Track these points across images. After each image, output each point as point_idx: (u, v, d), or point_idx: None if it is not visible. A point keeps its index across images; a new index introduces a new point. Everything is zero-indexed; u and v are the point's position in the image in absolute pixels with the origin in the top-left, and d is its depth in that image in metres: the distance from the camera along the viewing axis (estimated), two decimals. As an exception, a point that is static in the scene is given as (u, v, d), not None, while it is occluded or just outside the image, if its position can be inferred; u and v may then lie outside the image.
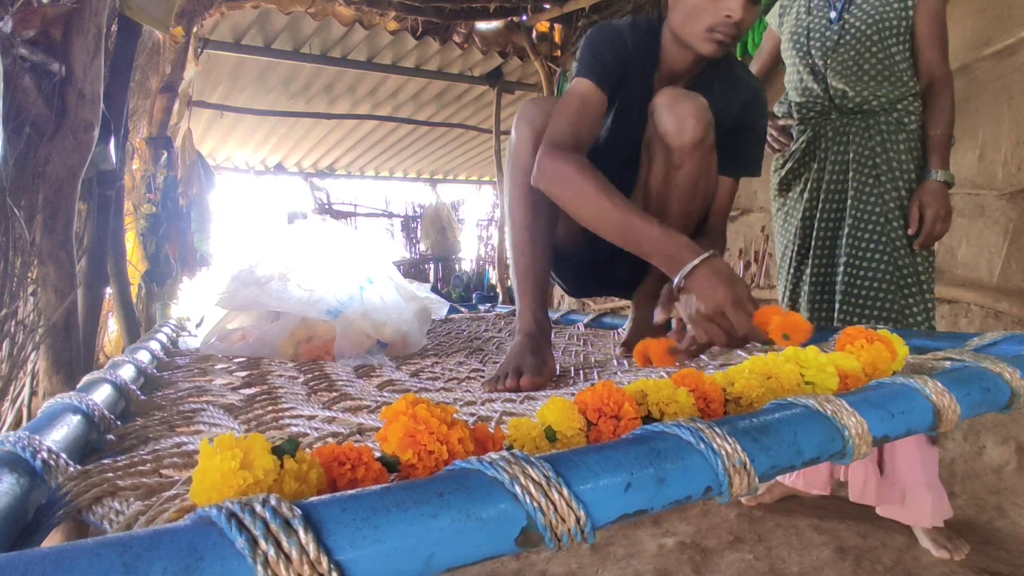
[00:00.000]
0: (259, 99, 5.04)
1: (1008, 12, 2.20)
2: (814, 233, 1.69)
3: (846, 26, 1.60)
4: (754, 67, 1.89)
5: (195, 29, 3.35)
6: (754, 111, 1.35)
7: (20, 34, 1.50)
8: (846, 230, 1.62)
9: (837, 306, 1.65)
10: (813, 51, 1.65)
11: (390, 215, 8.42)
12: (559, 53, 4.74)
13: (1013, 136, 2.20)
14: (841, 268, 1.63)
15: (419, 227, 8.31)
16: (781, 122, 1.77)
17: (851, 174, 1.62)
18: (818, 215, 1.68)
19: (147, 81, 3.13)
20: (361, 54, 4.49)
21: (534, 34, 4.66)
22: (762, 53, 1.90)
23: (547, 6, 4.39)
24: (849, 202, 1.62)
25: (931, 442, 1.66)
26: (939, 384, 0.64)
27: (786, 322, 0.97)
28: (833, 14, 1.62)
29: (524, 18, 4.52)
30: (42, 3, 1.56)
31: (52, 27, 1.59)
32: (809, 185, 1.71)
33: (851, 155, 1.63)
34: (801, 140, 1.73)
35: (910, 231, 1.55)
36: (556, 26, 4.69)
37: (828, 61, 1.62)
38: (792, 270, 1.75)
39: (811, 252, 1.70)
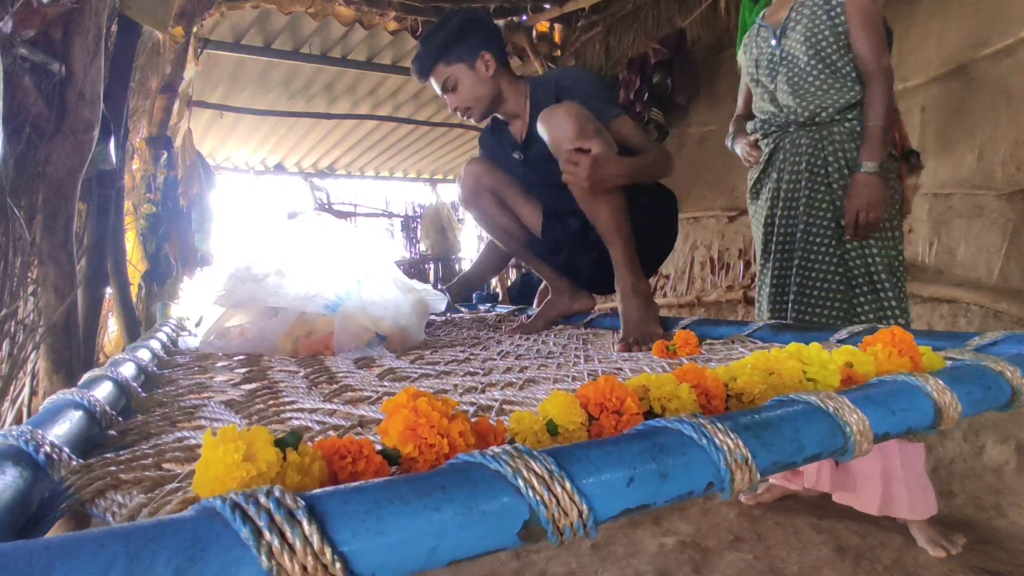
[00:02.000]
0: (259, 99, 5.05)
1: (1006, 13, 2.21)
2: (774, 238, 1.79)
3: (785, 50, 1.72)
4: (740, 99, 2.05)
5: (195, 29, 3.35)
6: (567, 81, 1.61)
7: (20, 34, 1.50)
8: (798, 235, 1.71)
9: (790, 306, 1.73)
10: (762, 77, 1.79)
11: (390, 215, 8.41)
12: (559, 53, 4.75)
13: (1012, 136, 2.21)
14: (794, 271, 1.71)
15: (419, 227, 8.30)
16: (752, 138, 1.89)
17: (803, 182, 1.71)
18: (776, 221, 1.78)
19: (147, 81, 3.13)
20: (361, 54, 4.49)
21: (534, 34, 4.66)
22: (742, 88, 2.04)
23: (547, 6, 4.39)
24: (802, 208, 1.71)
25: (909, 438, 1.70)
26: (940, 382, 0.64)
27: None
28: (773, 41, 1.76)
29: (524, 18, 4.52)
30: (42, 3, 1.56)
31: (52, 27, 1.59)
32: (770, 193, 1.81)
33: (804, 164, 1.71)
34: (766, 152, 1.84)
35: (844, 223, 1.62)
36: (556, 26, 4.70)
37: (775, 83, 1.75)
38: (759, 272, 1.86)
39: (771, 256, 1.79)
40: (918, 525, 1.69)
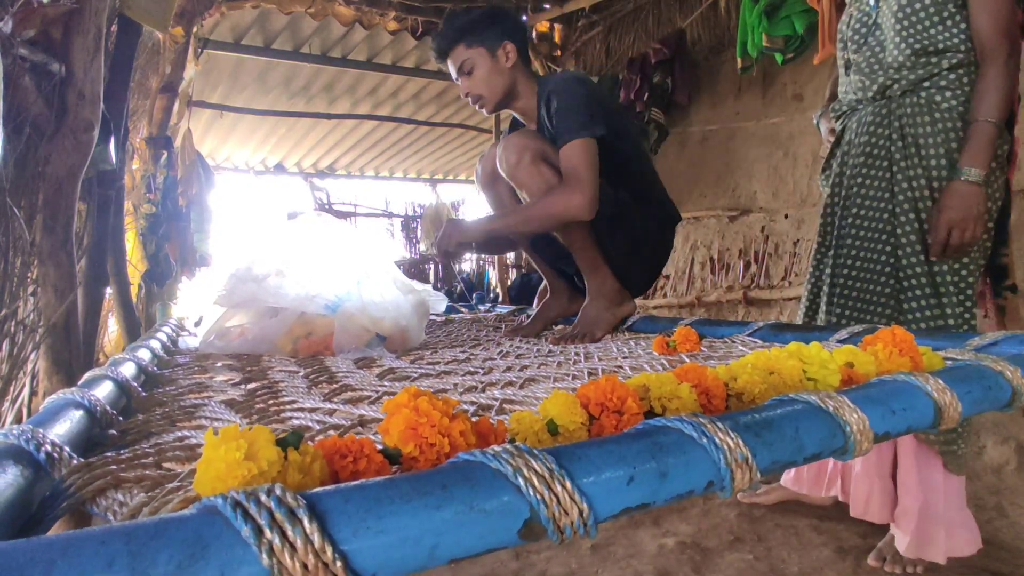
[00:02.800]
0: (259, 99, 5.05)
1: (1007, 13, 2.20)
2: (834, 229, 1.60)
3: (881, 15, 1.48)
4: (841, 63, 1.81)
5: (195, 29, 3.35)
6: (549, 100, 1.56)
7: (20, 34, 1.50)
8: (847, 224, 1.55)
9: (823, 304, 1.58)
10: (848, 41, 1.56)
11: (390, 215, 8.42)
12: (559, 53, 4.75)
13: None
14: (839, 266, 1.55)
15: (419, 227, 8.30)
16: (833, 124, 1.68)
17: (860, 166, 1.53)
18: (837, 211, 1.60)
19: (147, 81, 3.14)
20: (361, 54, 4.50)
21: (534, 34, 4.66)
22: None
23: (547, 6, 4.40)
24: (855, 193, 1.54)
25: (949, 470, 1.51)
26: (940, 381, 0.64)
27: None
28: (872, 1, 1.49)
29: (524, 18, 4.52)
30: (42, 3, 1.56)
31: (52, 27, 1.59)
32: (833, 179, 1.63)
33: (863, 144, 1.52)
34: (838, 133, 1.65)
35: (929, 239, 1.40)
36: (556, 26, 4.70)
37: (860, 53, 1.52)
38: (813, 266, 1.68)
39: (830, 248, 1.60)
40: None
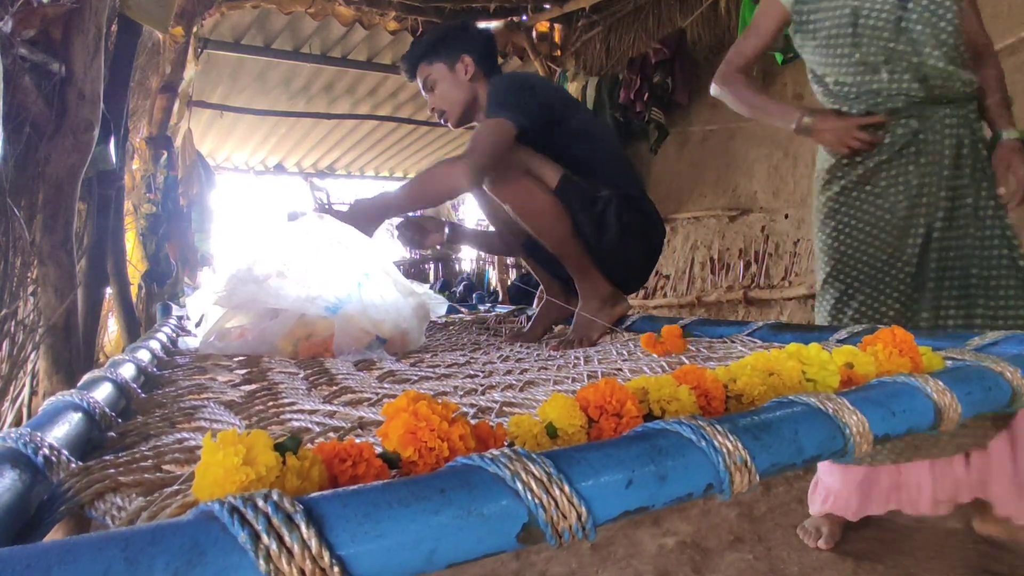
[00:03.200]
0: (259, 99, 5.05)
1: (1007, 12, 2.20)
2: (931, 241, 1.49)
3: (916, 4, 1.42)
4: (752, 43, 1.62)
5: (195, 29, 3.35)
6: (489, 99, 1.61)
7: (20, 34, 1.50)
8: (968, 240, 1.48)
9: (952, 314, 1.49)
10: (873, 38, 1.43)
11: (390, 215, 8.41)
12: (559, 53, 4.75)
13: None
14: (971, 278, 1.49)
15: (419, 227, 8.29)
16: (864, 120, 1.49)
17: (955, 170, 1.47)
18: (934, 223, 1.49)
19: (147, 81, 3.14)
20: (361, 54, 4.50)
21: (534, 34, 4.66)
22: (759, 31, 1.60)
23: (547, 6, 4.40)
24: (969, 205, 1.48)
25: None
26: (940, 383, 0.64)
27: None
28: None
29: (524, 18, 4.53)
30: (42, 3, 1.56)
31: (52, 27, 1.59)
32: (913, 180, 1.49)
33: (967, 149, 1.47)
34: (900, 132, 1.49)
35: (1002, 192, 1.45)
36: (556, 26, 4.70)
37: (916, 47, 1.42)
38: (894, 274, 1.53)
39: (926, 266, 1.50)
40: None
